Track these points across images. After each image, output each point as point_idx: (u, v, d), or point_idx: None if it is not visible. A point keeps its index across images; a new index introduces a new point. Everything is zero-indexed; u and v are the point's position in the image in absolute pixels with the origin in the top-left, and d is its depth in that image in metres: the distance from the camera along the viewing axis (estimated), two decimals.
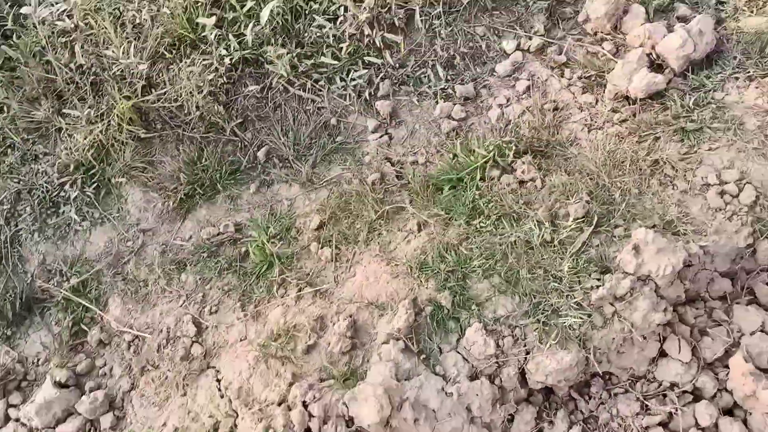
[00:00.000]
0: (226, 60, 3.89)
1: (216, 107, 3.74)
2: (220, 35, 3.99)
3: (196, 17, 4.02)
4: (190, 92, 3.70)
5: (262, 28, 3.91)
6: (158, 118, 3.84)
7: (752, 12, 3.55)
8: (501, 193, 3.16)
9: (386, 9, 3.92)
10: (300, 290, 3.10)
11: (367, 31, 3.87)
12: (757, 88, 3.20)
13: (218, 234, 3.44)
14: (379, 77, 3.84)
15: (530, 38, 3.82)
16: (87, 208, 3.63)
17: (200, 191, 3.57)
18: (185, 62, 3.85)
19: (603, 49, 3.67)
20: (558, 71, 3.69)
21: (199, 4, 4.03)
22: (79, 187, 3.64)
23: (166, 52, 3.95)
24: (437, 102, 3.74)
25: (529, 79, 3.70)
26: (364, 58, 3.87)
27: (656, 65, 3.49)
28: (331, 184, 3.54)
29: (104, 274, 3.44)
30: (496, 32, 3.90)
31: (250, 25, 3.91)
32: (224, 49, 3.95)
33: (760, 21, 3.48)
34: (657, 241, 2.73)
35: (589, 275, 2.78)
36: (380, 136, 3.70)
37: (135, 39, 4.05)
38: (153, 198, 3.59)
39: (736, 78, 3.29)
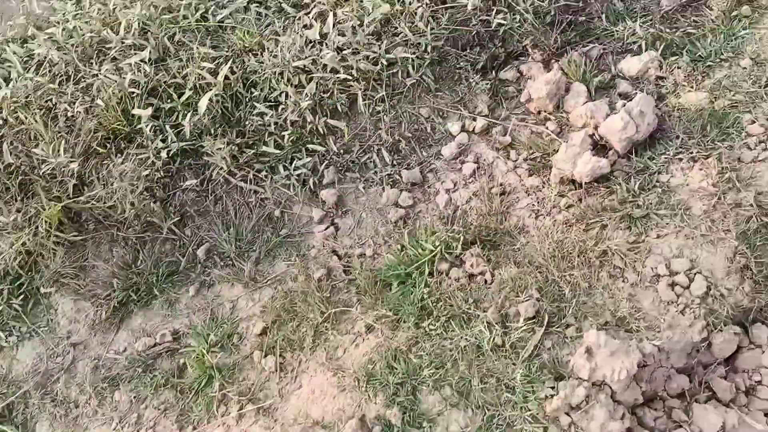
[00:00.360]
0: (163, 153, 3.72)
1: (152, 206, 3.56)
2: (156, 127, 3.84)
3: (132, 108, 3.87)
4: (123, 193, 3.51)
5: (201, 118, 3.77)
6: (91, 218, 3.63)
7: (692, 87, 3.54)
8: (450, 290, 3.02)
9: (328, 94, 3.82)
10: (242, 408, 2.89)
11: (309, 117, 3.75)
12: (701, 170, 3.15)
13: (154, 345, 3.22)
14: (323, 165, 3.71)
15: (474, 119, 3.74)
16: (13, 322, 3.38)
17: (135, 298, 3.35)
18: (119, 159, 3.67)
19: (547, 129, 3.61)
20: (504, 153, 3.61)
21: (135, 95, 3.88)
22: (5, 299, 3.39)
23: (99, 147, 3.77)
24: (384, 188, 3.61)
25: (475, 162, 3.61)
26: (308, 145, 3.75)
27: (600, 145, 3.44)
28: (275, 283, 3.36)
29: (32, 395, 3.18)
30: (441, 113, 3.82)
31: (188, 115, 3.77)
32: (161, 141, 3.79)
33: (700, 97, 3.46)
34: (609, 343, 2.61)
35: (543, 383, 2.63)
36: (326, 228, 3.55)
37: (67, 133, 3.87)
38: (85, 307, 3.36)
39: (680, 159, 3.24)
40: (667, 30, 3.78)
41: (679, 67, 3.61)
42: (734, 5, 3.77)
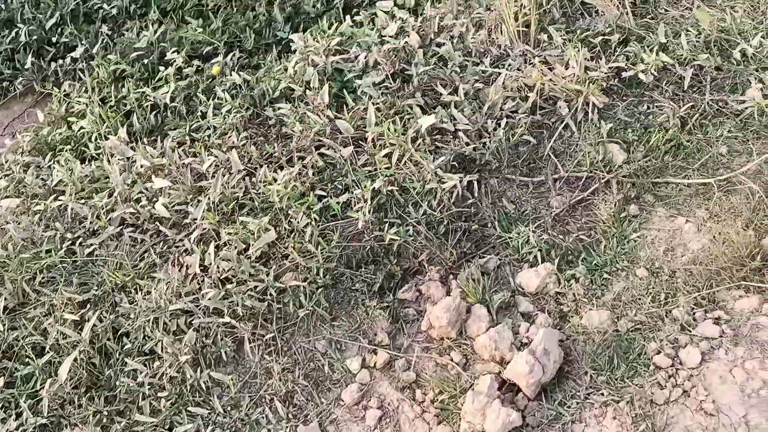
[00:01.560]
0: None
1: None
2: (10, 399, 3.13)
3: None
4: None
5: (62, 385, 3.10)
6: None
7: (592, 305, 3.23)
8: None
9: (212, 340, 3.27)
10: None
11: (189, 372, 3.16)
12: (615, 418, 2.77)
13: None
14: (208, 429, 3.09)
15: (375, 352, 3.27)
16: None
17: None
18: None
19: (452, 360, 3.17)
20: (409, 393, 3.13)
21: None
22: None
23: None
24: None
25: (379, 407, 3.10)
26: (189, 407, 3.12)
27: (510, 384, 3.03)
28: None
29: None
30: (339, 346, 3.32)
31: (47, 383, 3.10)
32: (15, 417, 3.08)
33: (603, 317, 3.14)
34: None
35: None
36: None
37: None
38: None
39: (592, 404, 2.86)
40: (560, 237, 3.51)
41: (577, 280, 3.30)
42: (622, 205, 3.56)
